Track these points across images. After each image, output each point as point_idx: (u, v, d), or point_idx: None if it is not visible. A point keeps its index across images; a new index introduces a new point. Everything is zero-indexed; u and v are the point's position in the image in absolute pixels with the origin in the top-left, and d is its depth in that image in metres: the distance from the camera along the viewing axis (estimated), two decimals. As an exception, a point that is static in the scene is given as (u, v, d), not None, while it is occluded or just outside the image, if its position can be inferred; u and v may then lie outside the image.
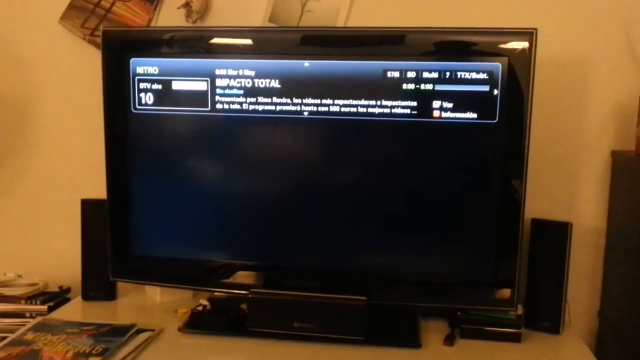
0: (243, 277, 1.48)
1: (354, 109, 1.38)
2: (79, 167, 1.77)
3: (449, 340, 1.41)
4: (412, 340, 1.40)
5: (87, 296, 1.64)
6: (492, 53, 1.32)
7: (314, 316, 1.39)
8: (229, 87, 1.42)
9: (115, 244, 1.52)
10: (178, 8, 1.64)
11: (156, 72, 1.45)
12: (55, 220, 1.80)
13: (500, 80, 1.32)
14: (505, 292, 1.38)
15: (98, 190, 1.58)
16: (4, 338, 1.40)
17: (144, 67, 1.45)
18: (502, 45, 1.31)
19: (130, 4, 1.68)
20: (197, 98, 1.43)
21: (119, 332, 1.40)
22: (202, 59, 1.43)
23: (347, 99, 1.38)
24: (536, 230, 1.47)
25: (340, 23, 1.61)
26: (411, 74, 1.35)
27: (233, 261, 1.48)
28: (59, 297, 1.65)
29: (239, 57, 1.42)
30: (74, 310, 1.59)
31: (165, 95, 1.45)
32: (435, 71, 1.35)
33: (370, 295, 1.39)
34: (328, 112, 1.40)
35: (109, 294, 1.64)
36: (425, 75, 1.35)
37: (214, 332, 1.44)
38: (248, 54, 1.42)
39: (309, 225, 1.45)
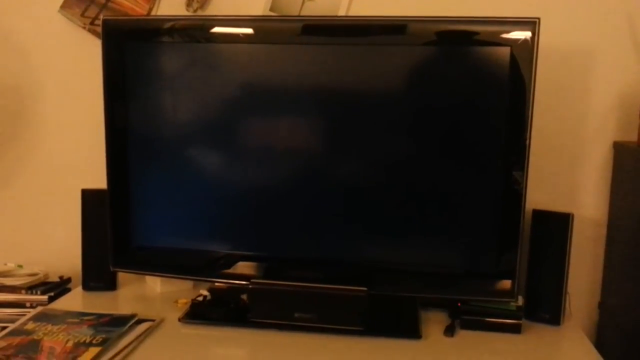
0: (243, 267, 1.48)
1: (355, 98, 1.38)
2: (80, 156, 1.76)
3: (449, 331, 1.41)
4: (412, 331, 1.40)
5: (87, 286, 1.64)
6: (494, 43, 1.31)
7: (314, 307, 1.39)
8: (229, 76, 1.41)
9: (115, 234, 1.52)
10: (178, -3, 1.64)
11: (156, 62, 1.44)
12: (55, 211, 1.80)
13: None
14: (506, 283, 1.38)
15: (98, 180, 1.58)
16: (4, 328, 1.40)
17: (145, 56, 1.44)
18: (505, 35, 1.30)
19: (130, -7, 1.68)
20: (198, 87, 1.43)
21: (119, 322, 1.40)
22: (203, 47, 1.42)
23: (349, 88, 1.38)
24: (537, 221, 1.47)
25: (341, 12, 1.60)
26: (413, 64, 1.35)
27: (233, 252, 1.48)
28: (59, 287, 1.65)
29: (240, 46, 1.41)
30: (75, 300, 1.59)
31: (166, 84, 1.44)
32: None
33: (370, 286, 1.39)
34: (329, 102, 1.39)
35: (110, 284, 1.64)
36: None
37: (215, 323, 1.45)
38: (249, 43, 1.41)
39: (309, 216, 1.44)
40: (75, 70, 1.74)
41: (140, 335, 1.36)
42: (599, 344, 1.56)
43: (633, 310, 1.41)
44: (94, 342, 1.30)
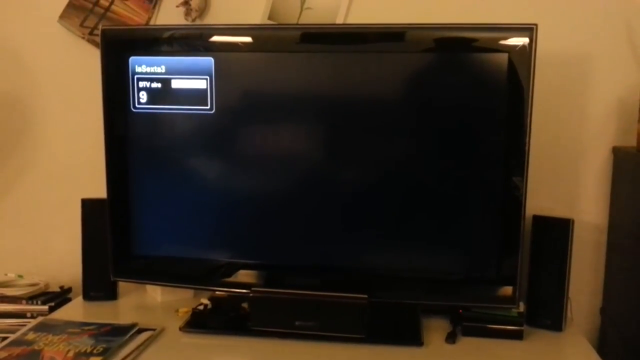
0: (244, 276, 1.48)
1: (354, 106, 1.38)
2: (79, 166, 1.77)
3: (451, 338, 1.41)
4: (414, 338, 1.40)
5: (88, 296, 1.63)
6: (492, 49, 1.31)
7: (315, 315, 1.39)
8: (228, 85, 1.42)
9: (115, 244, 1.52)
10: (177, 6, 1.64)
11: (156, 71, 1.44)
12: (55, 220, 1.80)
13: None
14: (507, 290, 1.37)
15: (98, 189, 1.57)
16: (5, 338, 1.40)
17: (144, 65, 1.45)
18: (502, 42, 1.30)
19: (129, 2, 1.68)
20: (197, 96, 1.43)
21: (120, 332, 1.40)
22: (201, 57, 1.42)
23: (347, 96, 1.38)
24: (537, 227, 1.47)
25: (339, 20, 1.61)
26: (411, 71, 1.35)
27: (234, 260, 1.48)
28: (60, 297, 1.65)
29: (239, 55, 1.41)
30: (75, 310, 1.59)
31: (165, 93, 1.44)
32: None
33: (371, 294, 1.39)
34: (328, 110, 1.40)
35: (110, 294, 1.64)
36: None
37: (215, 332, 1.44)
38: (248, 52, 1.41)
39: (310, 224, 1.44)
40: (75, 80, 1.74)
41: (141, 345, 1.36)
42: (601, 349, 1.56)
43: (635, 315, 1.40)
44: (94, 352, 1.30)
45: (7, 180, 1.81)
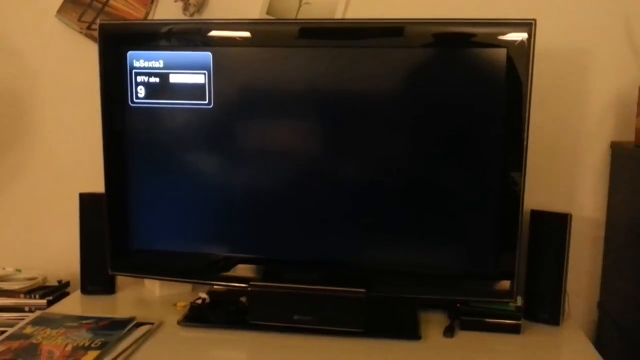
0: (242, 270, 1.48)
1: (352, 101, 1.38)
2: (77, 161, 1.76)
3: (449, 331, 1.41)
4: (412, 332, 1.41)
5: (86, 290, 1.64)
6: (491, 44, 1.31)
7: (314, 309, 1.39)
8: (227, 79, 1.41)
9: (113, 238, 1.52)
10: (175, 1, 1.64)
11: (153, 66, 1.44)
12: (53, 215, 1.80)
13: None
14: (505, 284, 1.38)
15: (96, 184, 1.57)
16: (3, 332, 1.39)
17: (141, 60, 1.45)
18: (501, 37, 1.30)
19: (127, -3, 1.68)
20: (195, 91, 1.43)
21: (118, 326, 1.40)
22: (199, 51, 1.42)
23: (346, 90, 1.38)
24: (535, 222, 1.47)
25: (338, 15, 1.60)
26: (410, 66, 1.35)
27: (232, 254, 1.48)
28: (58, 291, 1.65)
29: (237, 49, 1.41)
30: (73, 304, 1.59)
31: (163, 88, 1.44)
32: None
33: (369, 288, 1.39)
34: (326, 105, 1.40)
35: (108, 288, 1.64)
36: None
37: (214, 325, 1.44)
38: (246, 47, 1.41)
39: (308, 218, 1.44)
40: (73, 75, 1.74)
41: (139, 339, 1.36)
42: (599, 343, 1.56)
43: (632, 309, 1.41)
44: (92, 345, 1.30)
45: (4, 174, 1.81)
